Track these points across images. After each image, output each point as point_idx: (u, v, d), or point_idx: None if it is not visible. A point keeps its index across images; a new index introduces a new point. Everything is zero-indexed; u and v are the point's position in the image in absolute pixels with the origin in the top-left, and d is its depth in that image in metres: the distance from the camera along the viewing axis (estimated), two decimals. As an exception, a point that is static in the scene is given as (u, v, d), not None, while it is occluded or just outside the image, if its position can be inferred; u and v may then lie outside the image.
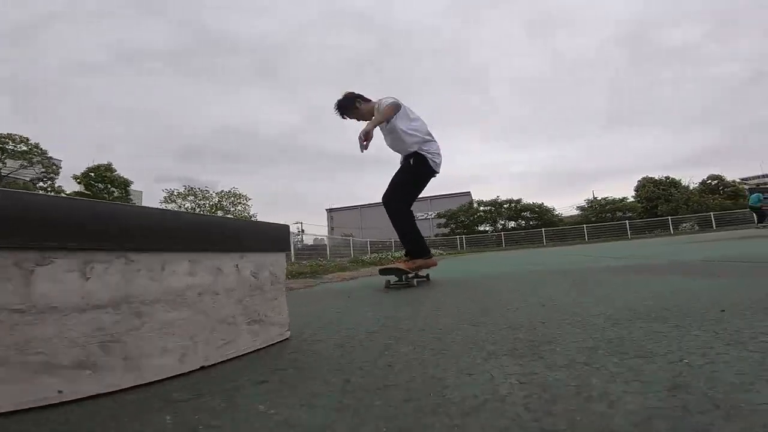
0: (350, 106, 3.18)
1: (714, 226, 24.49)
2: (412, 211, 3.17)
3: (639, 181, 34.10)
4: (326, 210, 55.21)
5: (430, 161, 3.07)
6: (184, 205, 25.41)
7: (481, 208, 34.68)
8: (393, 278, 2.93)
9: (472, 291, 2.36)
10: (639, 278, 2.30)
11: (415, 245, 3.06)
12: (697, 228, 26.05)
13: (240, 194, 26.59)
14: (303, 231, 35.96)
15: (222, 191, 26.21)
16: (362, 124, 2.96)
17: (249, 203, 26.76)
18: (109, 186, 18.75)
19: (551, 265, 4.37)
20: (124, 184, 19.04)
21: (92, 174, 18.34)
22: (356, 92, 3.24)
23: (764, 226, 16.57)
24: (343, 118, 3.25)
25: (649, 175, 33.79)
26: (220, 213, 25.93)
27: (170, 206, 25.53)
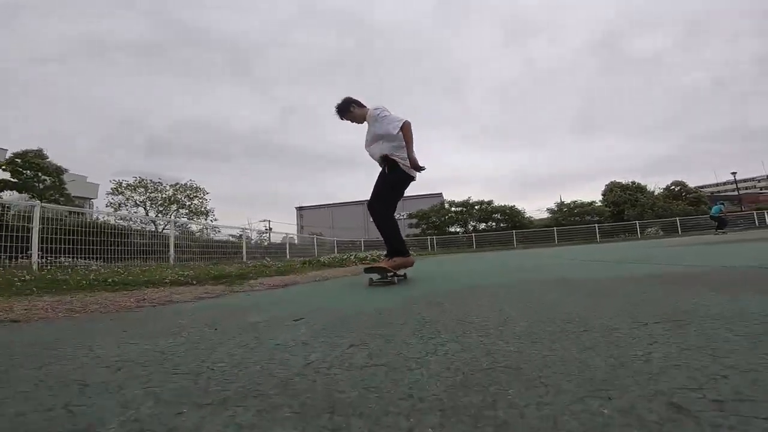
0: (346, 109, 3.41)
1: (679, 231, 24.82)
2: (392, 214, 3.35)
3: (606, 185, 34.50)
4: (296, 208, 53.50)
5: (401, 164, 3.21)
6: (133, 197, 23.20)
7: (453, 208, 33.99)
8: (376, 276, 3.06)
9: (462, 332, 1.22)
10: None
11: (393, 245, 3.21)
12: (662, 233, 26.40)
13: (198, 187, 24.57)
14: (270, 229, 34.13)
15: (177, 183, 24.12)
16: (355, 126, 3.47)
17: (207, 197, 24.78)
18: (39, 174, 16.47)
19: (553, 271, 3.33)
20: (57, 172, 16.78)
21: (18, 160, 16.03)
22: (353, 98, 3.47)
23: (723, 233, 17.49)
24: (341, 119, 3.47)
25: (617, 180, 34.30)
26: (174, 206, 23.87)
27: (117, 198, 23.32)
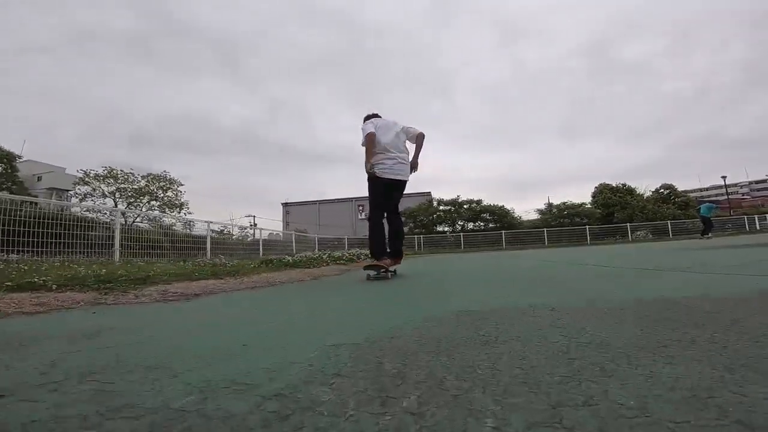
0: (364, 121, 3.93)
1: (671, 234, 24.33)
2: (375, 219, 3.73)
3: (596, 187, 33.99)
4: (282, 204, 52.06)
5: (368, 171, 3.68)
6: (101, 187, 21.67)
7: (441, 207, 33.03)
8: (373, 272, 3.50)
9: None
10: None
11: (371, 247, 3.65)
12: (651, 236, 25.86)
13: (172, 179, 23.13)
14: (255, 225, 32.65)
15: (149, 174, 22.63)
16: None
17: (181, 189, 23.35)
18: (-11, 160, 14.94)
19: (614, 286, 2.35)
20: (8, 158, 15.24)
21: (-37, 145, 14.48)
22: (374, 113, 4.01)
23: (708, 237, 16.72)
24: None
25: (606, 182, 33.84)
26: (145, 198, 22.42)
27: (84, 188, 21.82)
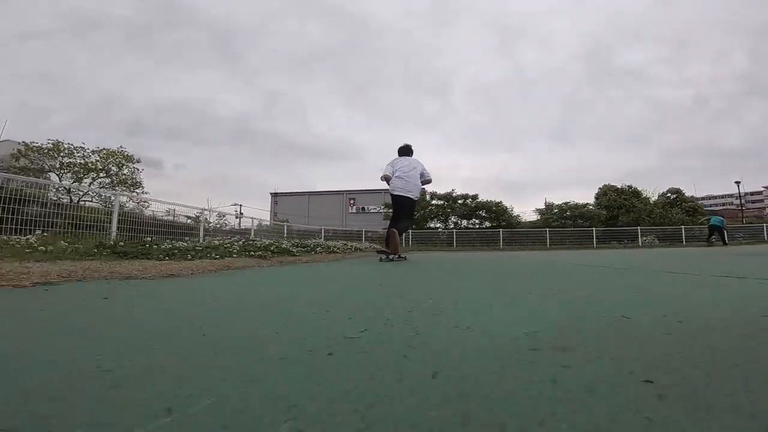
0: (398, 152, 6.17)
1: (684, 240, 22.10)
2: (390, 224, 5.80)
3: (600, 188, 31.68)
4: (270, 194, 49.53)
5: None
6: (40, 160, 18.76)
7: (434, 201, 30.32)
8: (384, 256, 5.19)
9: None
10: None
11: (386, 240, 5.63)
12: (657, 242, 23.65)
13: (128, 155, 20.31)
14: (242, 213, 30.36)
15: (102, 149, 19.76)
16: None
17: (138, 166, 20.58)
18: None
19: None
20: None
21: None
22: (408, 144, 6.14)
23: (710, 244, 17.32)
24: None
25: (611, 183, 31.58)
26: (92, 174, 19.55)
27: (22, 162, 18.93)
